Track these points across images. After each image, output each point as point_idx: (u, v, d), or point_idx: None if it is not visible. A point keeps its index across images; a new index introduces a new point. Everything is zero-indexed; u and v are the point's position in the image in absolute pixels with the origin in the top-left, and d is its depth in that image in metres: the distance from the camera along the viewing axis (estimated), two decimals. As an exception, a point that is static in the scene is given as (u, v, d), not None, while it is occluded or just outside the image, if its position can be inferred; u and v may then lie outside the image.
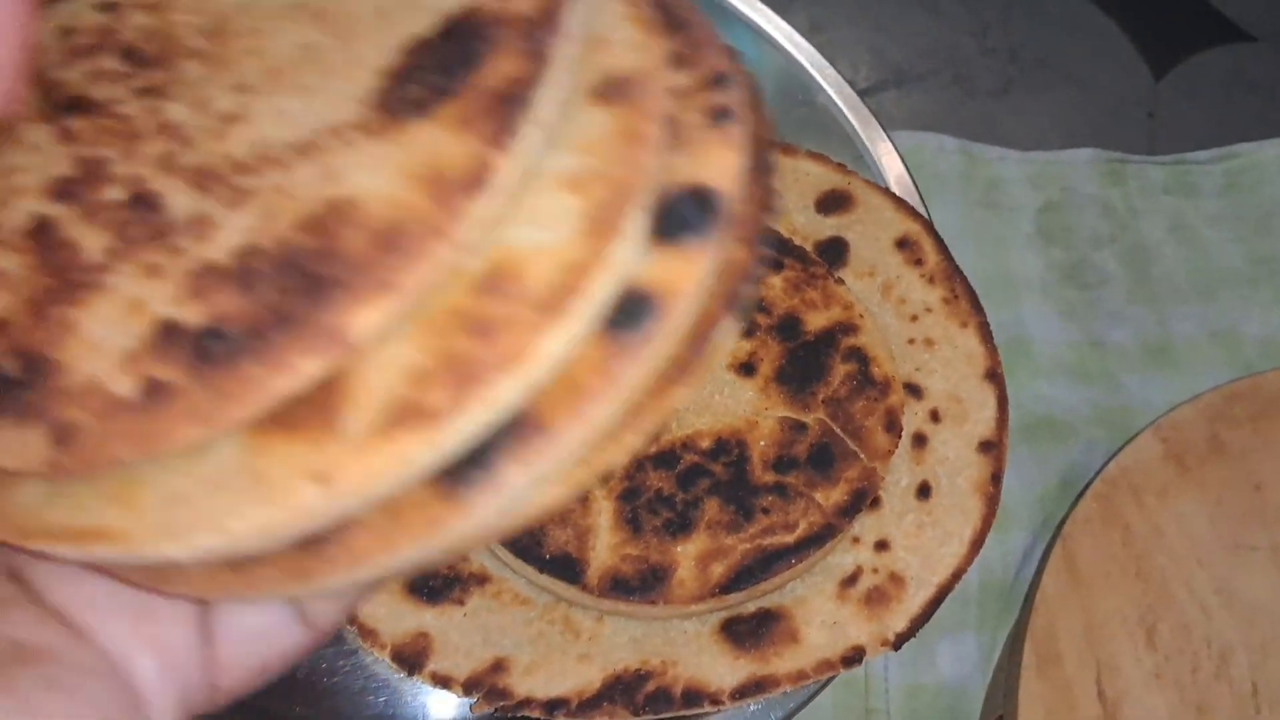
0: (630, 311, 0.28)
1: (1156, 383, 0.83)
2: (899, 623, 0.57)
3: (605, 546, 0.57)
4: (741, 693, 0.55)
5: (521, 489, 0.27)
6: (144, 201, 0.32)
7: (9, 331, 0.30)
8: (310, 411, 0.28)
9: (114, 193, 0.32)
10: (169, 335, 0.29)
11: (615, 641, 0.57)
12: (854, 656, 0.56)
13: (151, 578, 0.32)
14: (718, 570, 0.56)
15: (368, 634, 0.56)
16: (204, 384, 0.28)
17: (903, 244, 0.67)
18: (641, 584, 0.56)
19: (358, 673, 0.58)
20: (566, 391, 0.27)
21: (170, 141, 0.33)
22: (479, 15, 0.32)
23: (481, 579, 0.58)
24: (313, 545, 0.28)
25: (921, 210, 0.70)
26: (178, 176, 0.32)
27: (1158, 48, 0.99)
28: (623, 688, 0.55)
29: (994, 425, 0.62)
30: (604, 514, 0.57)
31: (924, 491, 0.61)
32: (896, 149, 0.73)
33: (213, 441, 0.29)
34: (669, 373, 0.29)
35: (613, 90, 0.31)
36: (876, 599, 0.58)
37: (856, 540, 0.59)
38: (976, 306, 0.65)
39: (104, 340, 0.30)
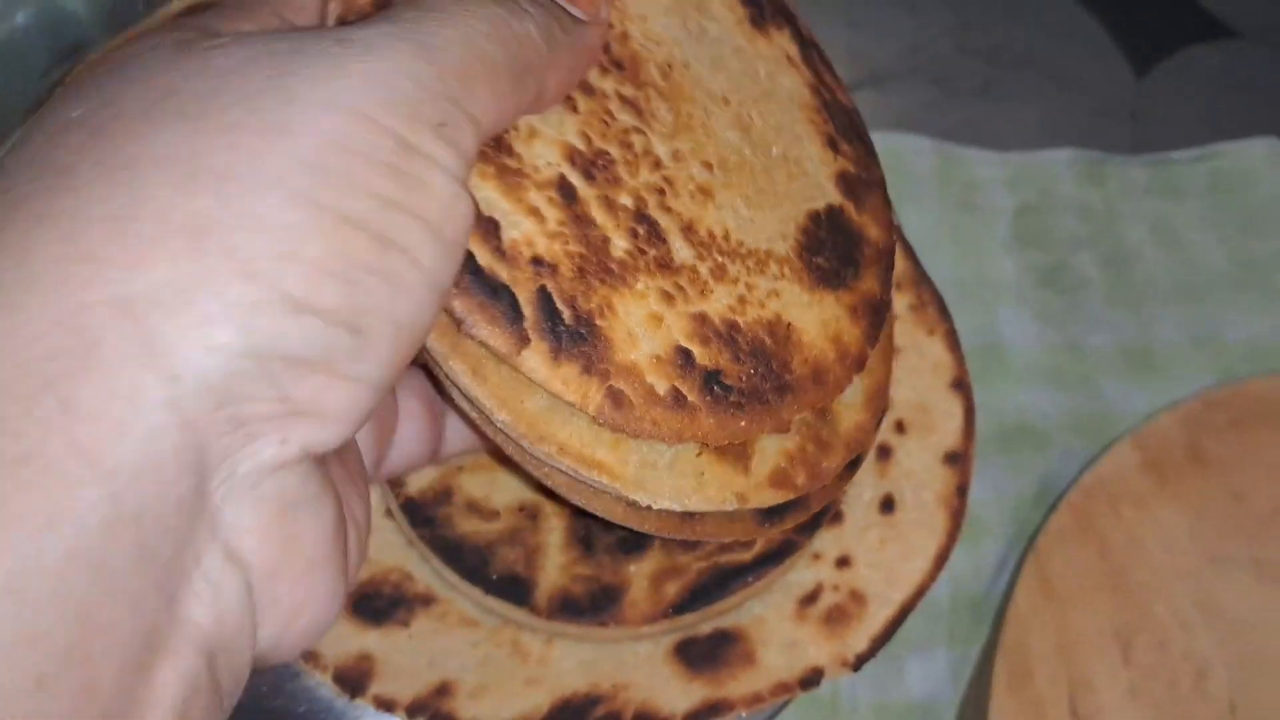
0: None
1: (1136, 389, 0.80)
2: (860, 642, 0.55)
3: (555, 566, 0.54)
4: (694, 717, 0.52)
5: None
6: (651, 225, 0.42)
7: (559, 279, 0.39)
8: (735, 452, 0.44)
9: (624, 198, 0.41)
10: (686, 361, 0.41)
11: (564, 665, 0.54)
12: (812, 678, 0.54)
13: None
14: (671, 590, 0.53)
15: (309, 656, 0.53)
16: (711, 412, 0.41)
17: None
18: (592, 605, 0.53)
19: (301, 696, 0.55)
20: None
21: (659, 178, 0.43)
22: (850, 220, 0.49)
23: (427, 600, 0.55)
24: (688, 516, 0.45)
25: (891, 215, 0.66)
26: (672, 219, 0.43)
27: (1141, 45, 0.96)
28: (571, 712, 0.52)
29: (960, 436, 0.59)
30: (555, 532, 0.55)
31: (888, 505, 0.58)
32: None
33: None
34: None
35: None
36: (837, 618, 0.55)
37: (817, 557, 0.57)
38: (944, 313, 0.62)
39: (639, 336, 0.40)
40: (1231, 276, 0.86)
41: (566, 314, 0.39)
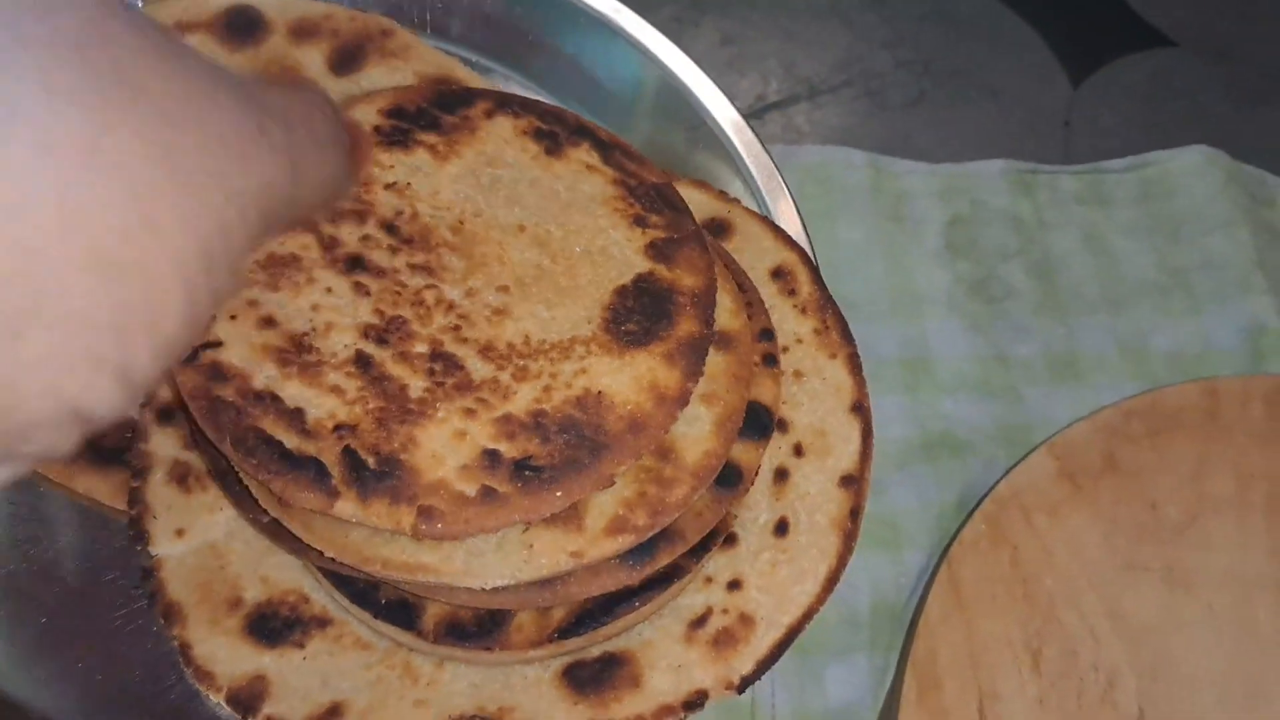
0: (731, 474, 0.53)
1: (1059, 397, 0.79)
2: (745, 665, 0.54)
3: (444, 590, 0.53)
4: None
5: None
6: (447, 359, 0.50)
7: (360, 434, 0.47)
8: (564, 515, 0.49)
9: (420, 347, 0.50)
10: (493, 460, 0.48)
11: (453, 688, 0.53)
12: (696, 700, 0.53)
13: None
14: (558, 614, 0.53)
15: (204, 676, 0.53)
16: (524, 495, 0.47)
17: (778, 274, 0.63)
18: (479, 629, 0.52)
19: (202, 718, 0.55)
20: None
21: (454, 318, 0.51)
22: (660, 280, 0.54)
23: (324, 621, 0.54)
24: (546, 583, 0.49)
25: (803, 239, 0.66)
26: (469, 347, 0.50)
27: (1077, 55, 0.95)
28: (458, 734, 0.52)
29: (857, 459, 0.58)
30: (447, 556, 0.54)
31: (781, 528, 0.57)
32: (785, 176, 0.69)
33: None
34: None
35: (723, 340, 0.55)
36: (724, 641, 0.54)
37: (709, 580, 0.56)
38: (847, 336, 0.61)
39: (444, 455, 0.47)
40: (1158, 284, 0.85)
41: (371, 460, 0.47)
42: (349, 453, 0.47)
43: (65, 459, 0.55)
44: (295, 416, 0.48)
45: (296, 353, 0.49)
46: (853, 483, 0.58)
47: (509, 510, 0.47)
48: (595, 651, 0.54)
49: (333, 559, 0.49)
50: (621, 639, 0.54)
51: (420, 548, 0.49)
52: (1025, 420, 0.78)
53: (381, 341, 0.50)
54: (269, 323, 0.50)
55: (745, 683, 0.53)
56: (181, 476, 0.56)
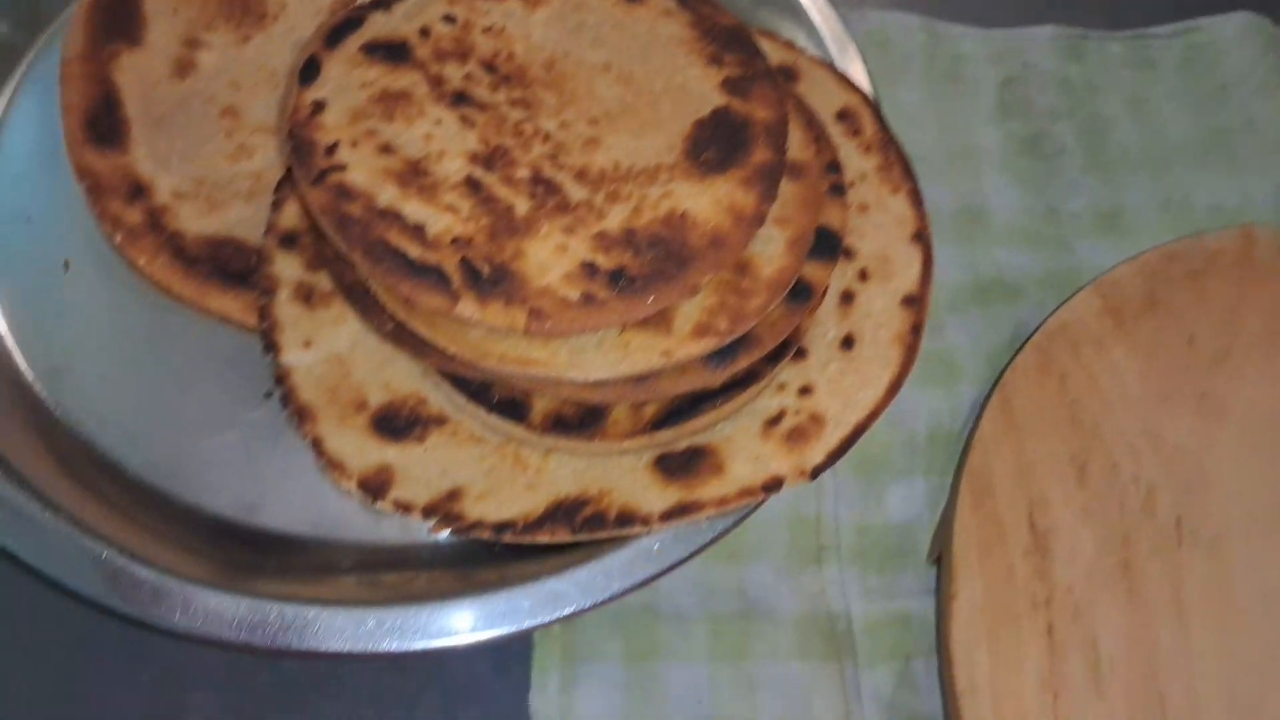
0: (802, 290, 0.59)
1: (1105, 248, 0.82)
2: (816, 456, 0.59)
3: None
4: (669, 515, 0.58)
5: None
6: (547, 183, 0.55)
7: (474, 247, 0.53)
8: (656, 320, 0.55)
9: (522, 172, 0.56)
10: (591, 270, 0.53)
11: (559, 474, 0.59)
12: (773, 484, 0.58)
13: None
14: (649, 410, 0.58)
15: (335, 466, 0.59)
16: (620, 300, 0.53)
17: (843, 116, 0.68)
18: (580, 422, 0.58)
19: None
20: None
21: (550, 146, 0.57)
22: (736, 113, 0.59)
23: (441, 420, 0.60)
24: (640, 379, 0.56)
25: (867, 85, 0.70)
26: (566, 173, 0.56)
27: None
28: (563, 511, 0.58)
29: (918, 282, 0.63)
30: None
31: (848, 343, 0.62)
32: (852, 29, 0.74)
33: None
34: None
35: (794, 170, 0.59)
36: (797, 436, 0.60)
37: (782, 387, 0.61)
38: (908, 173, 0.66)
39: (549, 265, 0.53)
40: (1200, 146, 0.88)
41: (485, 269, 0.52)
42: (466, 262, 0.53)
43: (197, 281, 0.63)
44: (416, 231, 0.54)
45: (414, 176, 0.55)
46: (914, 302, 0.63)
47: (606, 313, 0.53)
48: (682, 444, 0.59)
49: (453, 356, 0.55)
50: (705, 435, 0.60)
51: (530, 344, 0.55)
52: (1073, 267, 0.81)
53: (488, 167, 0.56)
54: (387, 150, 0.56)
55: (817, 471, 0.59)
56: (306, 295, 0.62)
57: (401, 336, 0.57)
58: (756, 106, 0.59)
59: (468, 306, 0.52)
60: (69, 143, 0.65)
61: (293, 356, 0.61)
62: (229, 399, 0.65)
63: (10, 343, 0.66)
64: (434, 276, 0.53)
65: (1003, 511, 0.69)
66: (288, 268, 0.63)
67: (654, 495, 0.58)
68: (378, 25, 0.60)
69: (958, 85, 0.89)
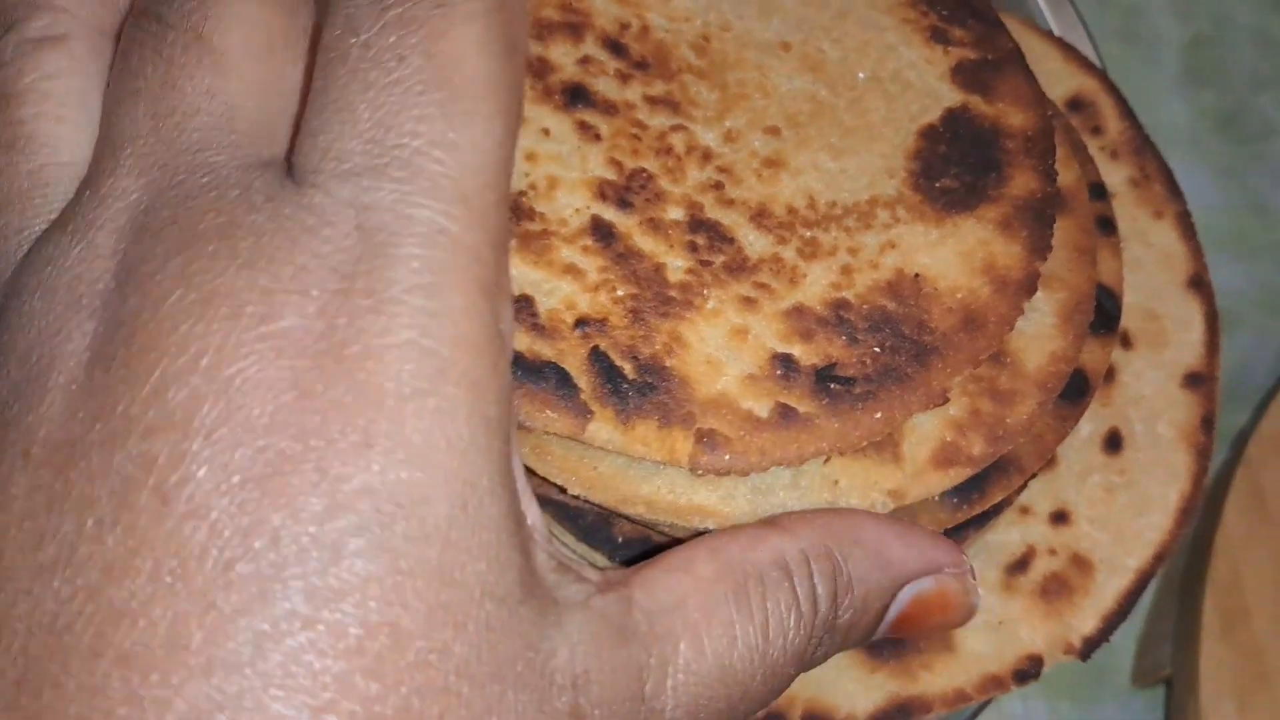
0: (1076, 382, 0.40)
1: None
2: (1087, 622, 0.43)
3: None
4: (880, 718, 0.42)
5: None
6: (711, 229, 0.37)
7: (610, 332, 0.35)
8: (877, 443, 0.37)
9: (674, 212, 0.37)
10: (786, 367, 0.36)
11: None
12: (1029, 670, 0.42)
13: None
14: (849, 562, 0.41)
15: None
16: (832, 416, 0.35)
17: (1075, 105, 0.50)
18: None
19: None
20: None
21: (712, 171, 0.38)
22: (979, 117, 0.41)
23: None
24: None
25: (1095, 59, 0.52)
26: (737, 212, 0.38)
27: None
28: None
29: (1202, 351, 0.47)
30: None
31: (1113, 442, 0.45)
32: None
33: None
34: None
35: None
36: (1055, 590, 0.43)
37: (1026, 511, 0.44)
38: (1174, 190, 0.49)
39: (722, 361, 0.36)
40: None
41: (628, 368, 0.35)
42: (599, 356, 0.35)
43: None
44: (522, 305, 0.36)
45: (514, 218, 0.37)
46: (1200, 382, 0.46)
47: (813, 437, 0.35)
48: (891, 607, 0.42)
49: (576, 495, 0.38)
50: (922, 589, 0.42)
51: (695, 484, 0.37)
52: None
53: (623, 204, 0.37)
54: None
55: (1090, 646, 0.42)
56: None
57: None
58: (1007, 108, 0.41)
59: (603, 429, 0.35)
60: None
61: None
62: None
63: None
64: (552, 380, 0.35)
65: (1265, 642, 0.54)
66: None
67: (855, 685, 0.42)
68: None
69: (1134, 45, 0.73)
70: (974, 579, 0.35)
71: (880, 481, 0.37)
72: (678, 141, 0.39)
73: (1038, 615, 0.42)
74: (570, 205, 0.37)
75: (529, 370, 0.35)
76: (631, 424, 0.35)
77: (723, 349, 0.36)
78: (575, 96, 0.39)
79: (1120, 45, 0.72)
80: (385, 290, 0.24)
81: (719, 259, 0.37)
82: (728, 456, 0.35)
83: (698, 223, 0.38)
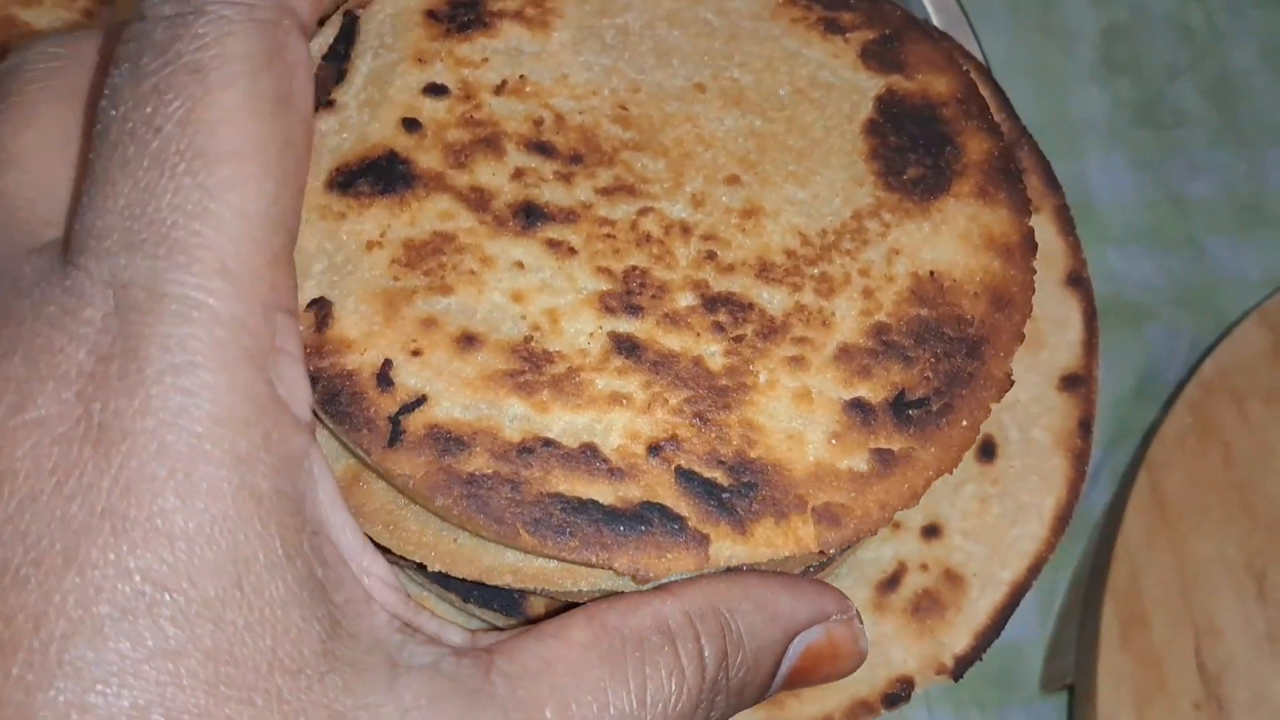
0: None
1: (1250, 248, 0.67)
2: (959, 640, 0.42)
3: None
4: None
5: None
6: (727, 302, 0.36)
7: (684, 446, 0.33)
8: None
9: (684, 299, 0.36)
10: (863, 412, 0.34)
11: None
12: (899, 692, 0.41)
13: None
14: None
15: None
16: (925, 441, 0.34)
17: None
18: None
19: None
20: None
21: (698, 242, 0.37)
22: (907, 96, 0.40)
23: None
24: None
25: (975, 48, 0.51)
26: (741, 275, 0.36)
27: None
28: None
29: (1080, 351, 0.45)
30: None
31: (987, 450, 0.44)
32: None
33: None
34: None
35: None
36: (927, 608, 0.42)
37: (897, 525, 0.43)
38: (1052, 183, 0.47)
39: (801, 431, 0.34)
40: (1363, 107, 0.71)
41: (719, 476, 0.33)
42: (688, 476, 0.33)
43: None
44: (588, 457, 0.33)
45: (533, 368, 0.34)
46: (1079, 384, 0.45)
47: (919, 469, 0.34)
48: (757, 628, 0.41)
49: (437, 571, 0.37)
50: (789, 610, 0.41)
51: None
52: (1211, 278, 0.66)
53: (632, 310, 0.35)
54: (470, 342, 0.35)
55: (962, 664, 0.41)
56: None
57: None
58: (927, 77, 0.40)
59: (725, 548, 0.33)
60: None
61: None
62: None
63: None
64: (655, 522, 0.33)
65: (1161, 646, 0.54)
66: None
67: None
68: (334, 139, 0.37)
69: (1051, 35, 0.72)
70: (861, 624, 0.34)
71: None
72: (651, 225, 0.37)
73: (909, 634, 0.41)
74: (582, 332, 0.35)
75: (629, 520, 0.33)
76: (749, 532, 0.33)
77: (795, 419, 0.34)
78: (530, 216, 0.36)
79: (1038, 35, 0.71)
80: (140, 371, 0.24)
81: (748, 329, 0.36)
82: (851, 524, 0.34)
83: (711, 300, 0.36)
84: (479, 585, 0.39)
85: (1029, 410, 0.44)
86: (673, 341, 0.35)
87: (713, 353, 0.35)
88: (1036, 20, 0.71)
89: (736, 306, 0.36)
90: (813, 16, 0.41)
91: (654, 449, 0.33)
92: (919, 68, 0.40)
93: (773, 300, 0.36)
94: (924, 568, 0.42)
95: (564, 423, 0.33)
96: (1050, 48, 0.71)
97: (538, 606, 0.39)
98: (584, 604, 0.32)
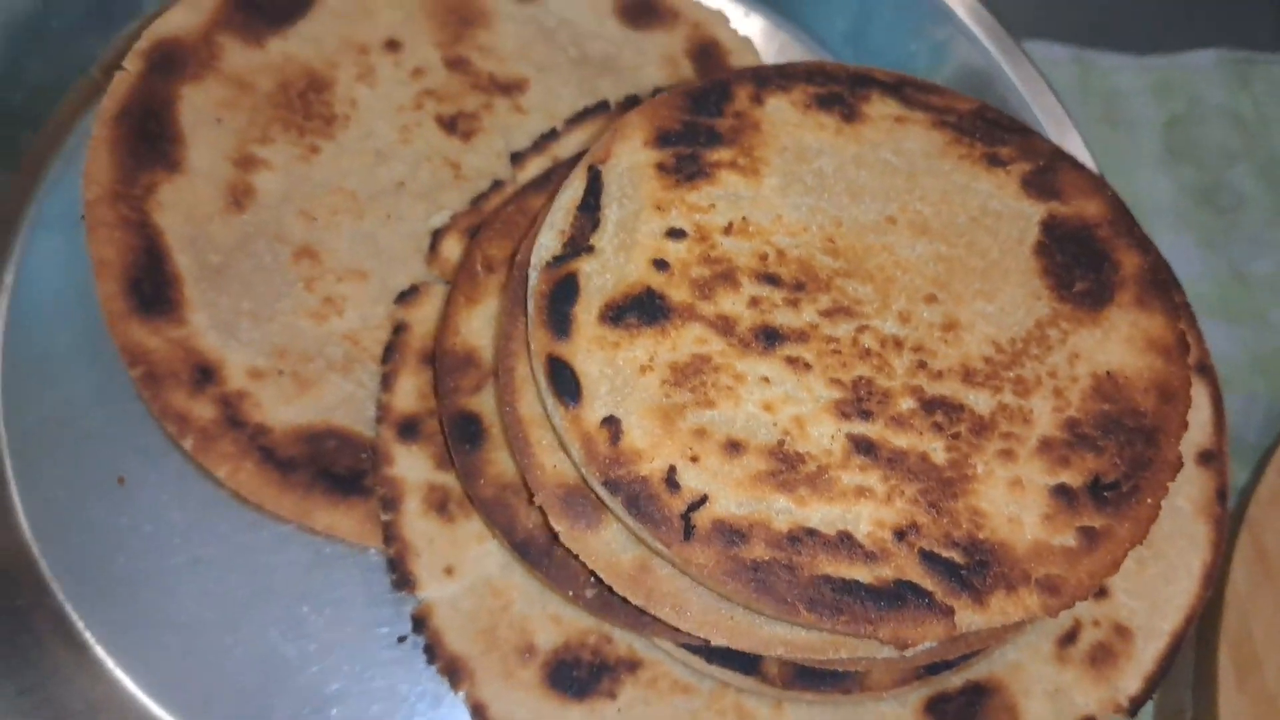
0: None
1: None
2: (1131, 683, 0.48)
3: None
4: None
5: None
6: (942, 404, 0.41)
7: (923, 532, 0.39)
8: None
9: (905, 403, 0.41)
10: (1067, 497, 0.40)
11: (801, 733, 0.46)
12: None
13: None
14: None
15: (507, 748, 0.45)
16: (1121, 519, 0.40)
17: None
18: (834, 671, 0.45)
19: None
20: None
21: (909, 354, 0.42)
22: (1066, 220, 0.46)
23: (633, 664, 0.47)
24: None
25: (1081, 149, 0.58)
26: (950, 380, 0.42)
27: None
28: (819, 793, 0.44)
29: (1211, 430, 0.51)
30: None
31: None
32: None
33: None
34: None
35: None
36: (1102, 657, 0.48)
37: None
38: (1170, 277, 0.53)
39: (1018, 514, 0.40)
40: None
41: (957, 556, 0.39)
42: (930, 558, 0.39)
43: (297, 494, 0.49)
44: (846, 543, 0.40)
45: (789, 468, 0.40)
46: (1212, 459, 0.50)
47: (1117, 543, 0.41)
48: (956, 680, 0.47)
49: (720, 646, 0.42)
50: (983, 664, 0.47)
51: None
52: (1278, 346, 0.70)
53: (864, 414, 0.42)
54: (735, 447, 0.41)
55: (1135, 704, 0.46)
56: (440, 503, 0.48)
57: (611, 608, 0.44)
58: (1081, 202, 0.47)
59: (966, 616, 0.39)
60: (109, 315, 0.50)
61: (434, 590, 0.47)
62: (352, 650, 0.50)
63: (60, 594, 0.50)
64: (908, 598, 0.39)
65: (1273, 687, 0.57)
66: (412, 467, 0.48)
67: None
68: (599, 279, 0.43)
69: (1116, 128, 0.77)
70: None
71: None
72: (869, 340, 0.43)
73: (1089, 681, 0.47)
74: (825, 435, 0.41)
75: (888, 597, 0.38)
76: (986, 603, 0.39)
77: (1011, 504, 0.40)
78: (770, 338, 0.43)
79: (1104, 128, 0.76)
80: None
81: (962, 427, 0.42)
82: (1069, 592, 0.40)
83: (928, 403, 0.42)
84: (722, 650, 0.45)
85: (1174, 484, 0.50)
86: (901, 440, 0.41)
87: (935, 449, 0.41)
88: (1101, 114, 0.76)
89: (950, 408, 0.42)
90: (976, 153, 0.47)
91: (899, 534, 0.39)
92: (1072, 195, 0.47)
93: (979, 401, 0.42)
94: (1096, 624, 0.48)
95: (821, 514, 0.40)
96: (1117, 139, 0.76)
97: (772, 666, 0.45)
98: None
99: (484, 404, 0.47)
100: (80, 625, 0.49)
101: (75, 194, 0.52)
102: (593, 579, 0.43)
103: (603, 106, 0.56)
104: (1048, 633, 0.47)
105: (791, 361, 0.42)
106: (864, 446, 0.41)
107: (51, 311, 0.55)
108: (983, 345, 0.43)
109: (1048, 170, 0.47)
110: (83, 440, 0.52)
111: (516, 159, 0.55)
